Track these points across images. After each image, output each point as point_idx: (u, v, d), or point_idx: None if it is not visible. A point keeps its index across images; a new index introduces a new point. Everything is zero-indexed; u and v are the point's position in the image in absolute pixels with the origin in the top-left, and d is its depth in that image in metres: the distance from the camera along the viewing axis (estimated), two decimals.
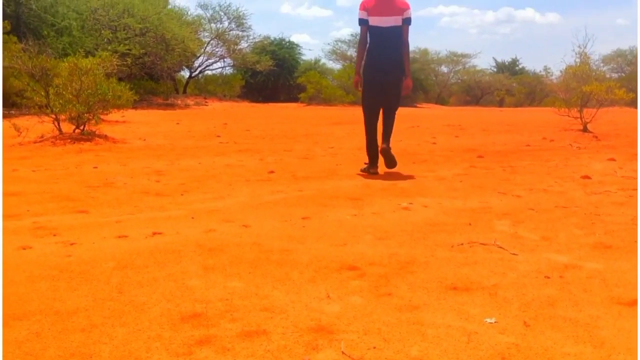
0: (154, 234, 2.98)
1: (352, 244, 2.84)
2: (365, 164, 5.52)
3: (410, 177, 5.15)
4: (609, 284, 2.26)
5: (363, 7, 5.27)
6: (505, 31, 79.18)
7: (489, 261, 2.56)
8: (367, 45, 5.38)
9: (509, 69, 40.65)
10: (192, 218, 3.39)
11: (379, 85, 5.37)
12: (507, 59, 42.29)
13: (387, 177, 5.15)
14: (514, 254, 2.67)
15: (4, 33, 12.94)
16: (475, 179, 4.99)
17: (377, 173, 5.32)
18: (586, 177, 5.00)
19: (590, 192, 4.32)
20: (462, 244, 2.83)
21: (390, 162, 5.36)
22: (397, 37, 5.29)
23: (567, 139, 9.03)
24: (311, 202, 3.94)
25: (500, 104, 35.93)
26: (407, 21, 5.28)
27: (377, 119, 5.49)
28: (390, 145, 5.40)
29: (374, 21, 5.25)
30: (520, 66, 41.58)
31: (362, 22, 5.29)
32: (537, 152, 7.32)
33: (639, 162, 5.84)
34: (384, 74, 5.32)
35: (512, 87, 37.38)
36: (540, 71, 38.18)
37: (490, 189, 4.49)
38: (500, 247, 2.77)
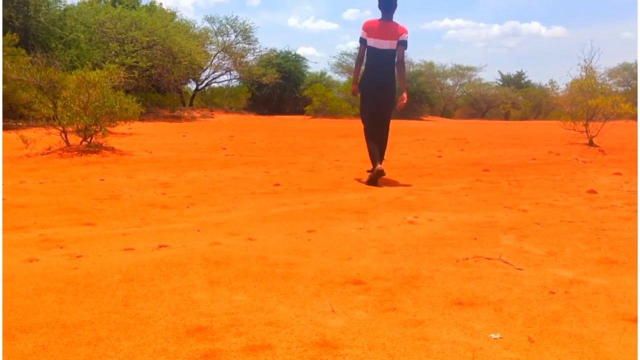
0: (160, 246, 2.99)
1: (357, 257, 2.84)
2: (369, 171, 5.79)
3: (415, 190, 5.16)
4: (615, 300, 2.25)
5: (365, 28, 5.79)
6: (511, 44, 79.34)
7: (494, 276, 2.56)
8: (365, 62, 5.90)
9: (515, 82, 40.72)
10: (198, 231, 3.41)
11: (374, 99, 5.85)
12: (513, 72, 42.49)
13: (393, 190, 5.16)
14: (519, 268, 2.67)
15: (12, 45, 13.07)
16: (481, 193, 4.99)
17: (381, 171, 5.54)
18: (592, 191, 4.99)
19: (596, 207, 4.31)
20: (467, 259, 2.83)
21: (375, 182, 5.62)
22: (391, 58, 5.79)
23: (573, 152, 9.02)
24: (317, 215, 3.95)
25: (506, 117, 35.95)
26: (402, 43, 5.77)
27: (376, 130, 5.91)
28: (385, 157, 5.91)
29: (372, 42, 5.76)
30: (526, 79, 41.68)
31: (362, 42, 5.83)
32: (543, 166, 7.31)
33: (639, 177, 5.82)
34: (378, 89, 5.82)
35: (518, 100, 37.41)
36: (546, 84, 38.29)
37: (495, 203, 4.49)
38: (506, 262, 2.76)
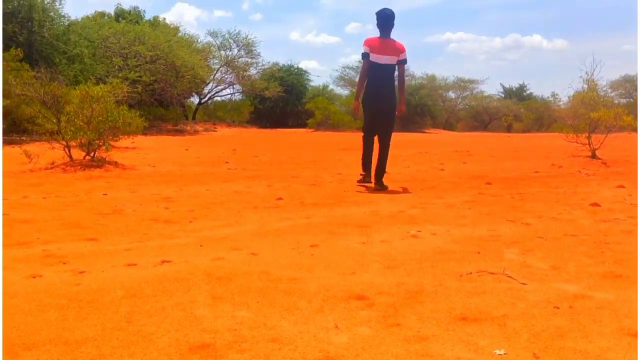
0: (163, 262, 2.99)
1: (360, 272, 2.83)
2: (362, 174, 6.33)
3: (418, 204, 5.15)
4: (619, 315, 2.24)
5: (367, 44, 6.16)
6: (512, 57, 79.39)
7: (498, 291, 2.54)
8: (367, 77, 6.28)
9: (517, 94, 40.73)
10: (201, 246, 3.40)
11: (375, 112, 6.25)
12: (515, 84, 42.48)
13: (396, 204, 5.15)
14: (523, 283, 2.66)
15: (17, 61, 13.16)
16: (484, 207, 4.98)
17: (370, 182, 6.19)
18: (595, 204, 4.98)
19: (599, 220, 4.29)
20: (471, 273, 2.82)
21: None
22: (390, 73, 6.21)
23: (575, 165, 9.01)
24: (319, 229, 3.94)
25: (508, 129, 35.91)
26: (402, 62, 6.23)
27: (374, 138, 6.38)
28: (387, 169, 6.39)
29: (373, 57, 6.11)
30: (528, 92, 41.69)
31: (364, 56, 6.16)
32: (546, 179, 7.30)
33: (639, 189, 5.80)
34: (379, 102, 6.19)
35: (520, 112, 37.38)
36: (548, 97, 38.30)
37: (499, 216, 4.48)
38: (509, 277, 2.75)
